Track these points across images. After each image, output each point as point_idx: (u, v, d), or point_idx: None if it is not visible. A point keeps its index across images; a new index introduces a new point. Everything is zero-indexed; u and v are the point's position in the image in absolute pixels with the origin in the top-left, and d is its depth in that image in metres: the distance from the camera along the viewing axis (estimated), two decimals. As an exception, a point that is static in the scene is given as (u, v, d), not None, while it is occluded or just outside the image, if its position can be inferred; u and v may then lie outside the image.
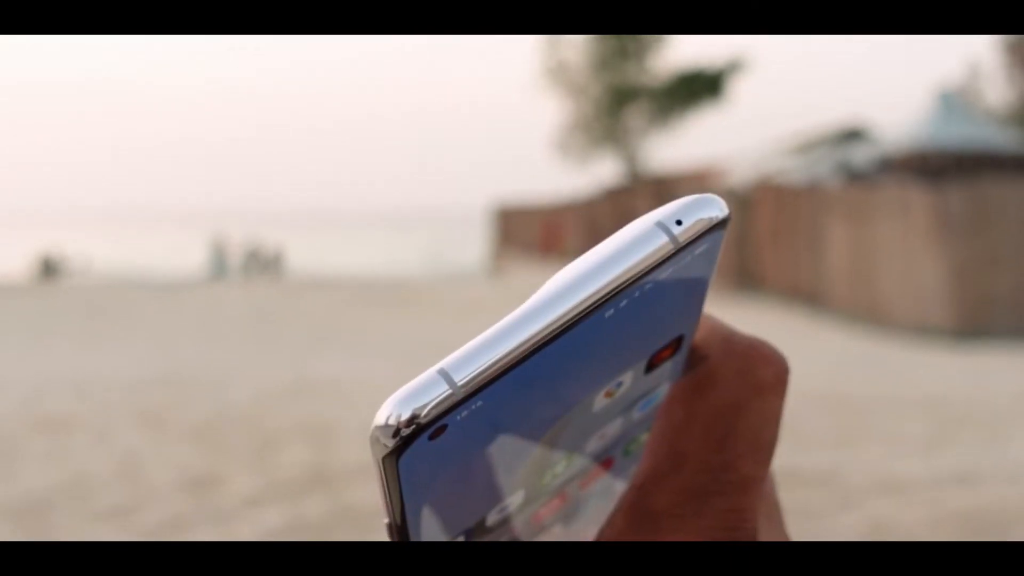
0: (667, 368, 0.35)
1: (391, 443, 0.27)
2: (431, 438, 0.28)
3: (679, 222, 0.30)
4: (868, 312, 12.32)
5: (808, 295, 13.77)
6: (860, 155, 16.27)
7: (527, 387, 0.29)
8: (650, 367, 0.34)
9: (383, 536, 0.31)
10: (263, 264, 28.33)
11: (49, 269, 26.03)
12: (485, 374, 0.28)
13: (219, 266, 26.79)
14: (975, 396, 6.88)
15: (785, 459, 4.86)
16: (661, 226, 0.30)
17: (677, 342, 0.34)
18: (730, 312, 12.58)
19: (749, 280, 15.27)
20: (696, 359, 0.35)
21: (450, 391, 0.27)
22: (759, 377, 0.34)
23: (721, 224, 0.31)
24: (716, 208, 0.31)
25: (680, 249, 0.30)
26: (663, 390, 0.36)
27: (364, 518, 4.18)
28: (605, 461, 0.38)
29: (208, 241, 28.36)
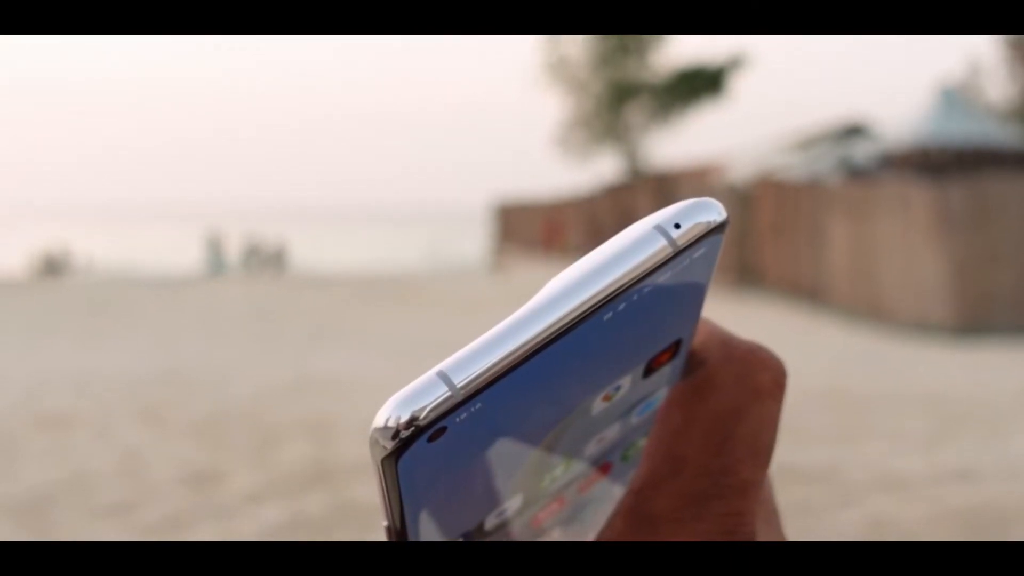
0: (665, 372, 0.35)
1: (390, 445, 0.27)
2: (430, 440, 0.28)
3: (677, 225, 0.30)
4: (869, 308, 12.31)
5: (809, 291, 13.76)
6: (861, 151, 16.25)
7: (526, 390, 0.29)
8: (648, 371, 0.34)
9: (383, 537, 0.31)
10: (264, 260, 28.24)
11: (51, 267, 26.00)
12: (484, 376, 0.28)
13: (216, 263, 26.70)
14: (975, 393, 6.87)
15: (786, 456, 4.86)
16: (660, 230, 0.30)
17: (675, 346, 0.34)
18: (730, 309, 12.57)
19: (750, 276, 15.26)
20: (694, 363, 0.35)
21: (449, 393, 0.27)
22: (757, 382, 0.34)
23: (719, 228, 0.31)
24: (715, 212, 0.31)
25: (678, 252, 0.30)
26: (661, 395, 0.36)
27: (364, 515, 4.18)
28: (603, 466, 0.38)
29: (204, 237, 28.23)
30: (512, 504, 0.34)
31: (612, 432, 0.36)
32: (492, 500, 0.33)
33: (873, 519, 4.14)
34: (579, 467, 0.36)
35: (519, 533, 0.36)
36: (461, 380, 0.28)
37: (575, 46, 27.46)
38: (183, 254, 31.96)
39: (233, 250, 28.67)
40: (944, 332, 10.95)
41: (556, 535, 0.39)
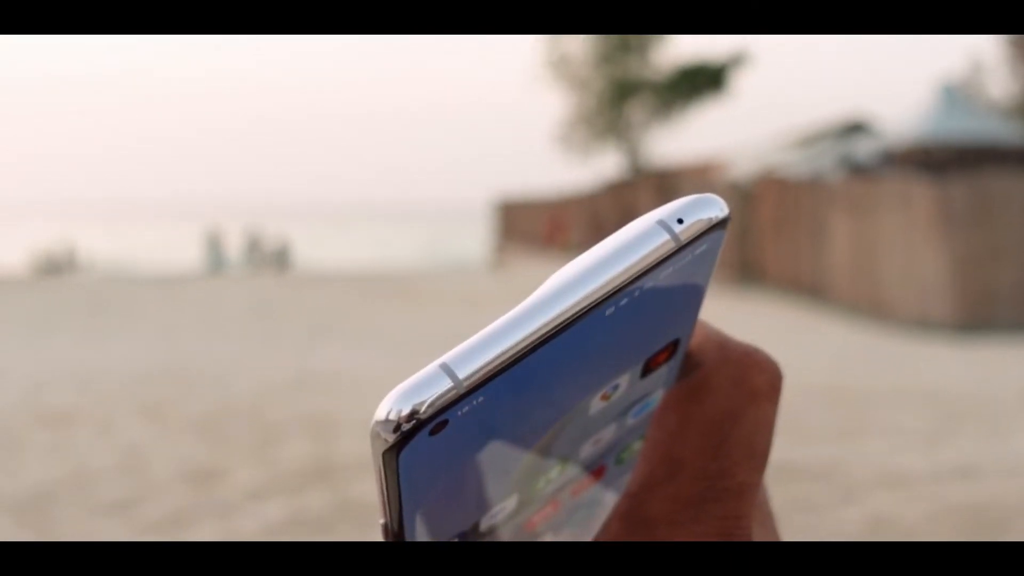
0: (662, 373, 0.35)
1: (391, 438, 0.27)
2: (432, 434, 0.28)
3: (680, 220, 0.30)
4: (870, 305, 12.31)
5: (810, 288, 13.76)
6: (862, 148, 16.26)
7: (528, 384, 0.29)
8: (646, 371, 0.34)
9: (381, 535, 0.31)
10: (265, 256, 28.16)
11: (52, 265, 25.99)
12: (487, 369, 0.28)
13: (216, 259, 26.68)
14: (977, 390, 6.87)
15: (787, 453, 4.87)
16: (663, 224, 0.30)
17: (673, 346, 0.34)
18: (732, 305, 12.57)
19: (751, 273, 15.27)
20: (691, 366, 0.35)
21: (452, 385, 0.27)
22: (754, 384, 0.34)
23: (721, 224, 0.31)
24: (717, 208, 0.31)
25: (681, 248, 0.30)
26: (657, 396, 0.36)
27: (366, 512, 4.18)
28: (597, 469, 0.38)
29: (203, 234, 28.20)
30: (508, 505, 0.34)
31: (608, 433, 0.36)
32: (488, 500, 0.33)
33: (874, 516, 4.15)
34: (574, 469, 0.36)
35: (513, 536, 0.36)
36: (464, 373, 0.27)
37: (576, 44, 27.46)
38: (184, 251, 31.97)
39: (234, 247, 28.65)
40: (945, 329, 10.95)
41: (550, 539, 0.38)
